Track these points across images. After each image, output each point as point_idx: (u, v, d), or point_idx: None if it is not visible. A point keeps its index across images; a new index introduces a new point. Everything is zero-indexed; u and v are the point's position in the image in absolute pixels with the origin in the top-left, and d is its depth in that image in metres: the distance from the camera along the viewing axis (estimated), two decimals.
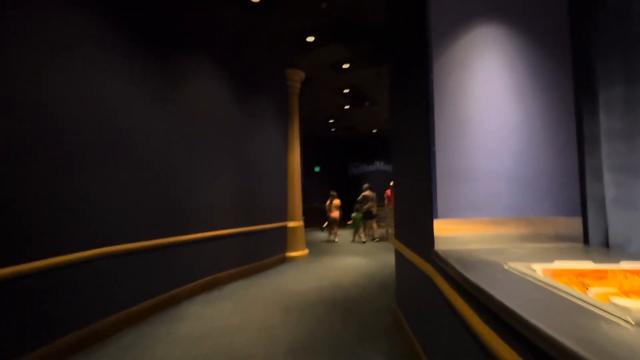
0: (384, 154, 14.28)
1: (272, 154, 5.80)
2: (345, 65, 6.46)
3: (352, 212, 9.25)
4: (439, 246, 1.80)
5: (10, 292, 2.03)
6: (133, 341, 2.64)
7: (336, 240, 9.06)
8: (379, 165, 14.35)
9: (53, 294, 2.29)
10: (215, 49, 4.36)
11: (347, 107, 9.40)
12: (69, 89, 2.49)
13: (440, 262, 1.68)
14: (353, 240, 8.93)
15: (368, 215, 8.83)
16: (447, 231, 1.83)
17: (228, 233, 4.47)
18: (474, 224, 1.84)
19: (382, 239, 9.17)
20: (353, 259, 6.16)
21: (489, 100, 1.89)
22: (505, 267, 1.35)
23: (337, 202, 9.19)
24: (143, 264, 3.17)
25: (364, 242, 8.64)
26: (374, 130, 13.17)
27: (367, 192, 9.01)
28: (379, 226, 9.88)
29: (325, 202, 9.62)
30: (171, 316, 3.21)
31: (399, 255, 2.83)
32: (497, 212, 1.85)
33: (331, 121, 11.30)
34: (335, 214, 9.12)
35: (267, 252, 5.47)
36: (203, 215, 4.04)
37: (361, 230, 8.93)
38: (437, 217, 1.84)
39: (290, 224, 6.26)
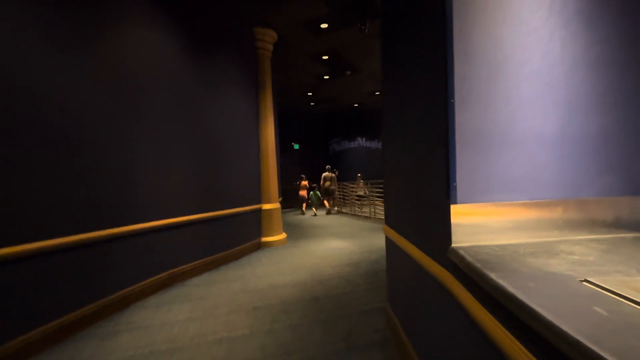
0: (366, 129, 13.70)
1: (241, 128, 5.04)
2: (324, 25, 5.65)
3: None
4: (457, 240, 1.24)
5: None
6: None
7: (315, 214, 10.09)
8: (361, 141, 13.79)
9: None
10: None
11: (326, 76, 8.62)
12: None
13: (464, 269, 1.12)
14: (314, 215, 9.95)
15: (327, 193, 10.33)
16: (468, 218, 1.26)
17: (188, 220, 3.79)
18: (505, 207, 1.28)
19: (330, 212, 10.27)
20: (335, 243, 5.65)
21: (532, 34, 1.28)
22: (588, 285, 0.81)
23: (305, 183, 10.67)
24: (70, 265, 2.47)
25: (315, 215, 9.97)
26: (356, 104, 12.48)
27: (326, 173, 10.37)
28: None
29: (303, 181, 10.70)
30: (109, 327, 2.56)
31: (392, 247, 2.28)
32: (540, 192, 1.29)
33: (310, 94, 10.48)
34: (303, 192, 10.60)
35: (239, 239, 4.84)
36: (152, 201, 3.32)
37: (315, 206, 10.43)
38: (455, 201, 1.26)
39: (265, 207, 5.62)
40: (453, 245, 1.23)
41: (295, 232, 6.86)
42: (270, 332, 2.41)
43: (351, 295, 3.09)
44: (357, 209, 9.71)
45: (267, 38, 5.59)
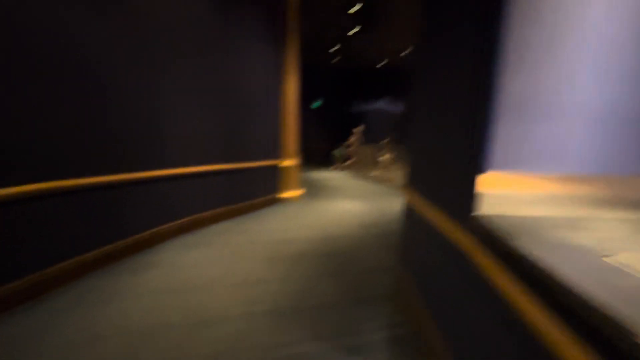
0: (389, 91, 13.16)
1: (264, 82, 4.93)
2: None
3: None
4: (483, 208, 1.24)
5: None
6: (83, 294, 2.23)
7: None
8: (383, 103, 13.33)
9: None
10: None
11: (353, 31, 8.13)
12: None
13: (487, 235, 1.14)
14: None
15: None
16: (497, 187, 1.25)
17: (209, 170, 3.90)
18: (538, 179, 1.26)
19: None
20: (349, 204, 5.75)
21: None
22: (609, 261, 0.82)
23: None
24: (105, 203, 2.64)
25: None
26: (380, 64, 11.87)
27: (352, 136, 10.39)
28: None
29: (326, 141, 10.84)
30: (139, 263, 2.79)
31: (410, 210, 2.31)
32: (577, 167, 1.25)
33: (333, 49, 10.00)
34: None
35: (256, 192, 4.98)
36: (177, 149, 3.41)
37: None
38: (486, 168, 1.24)
39: (284, 163, 5.69)
40: (478, 212, 1.24)
41: (311, 191, 6.98)
42: (284, 281, 2.57)
43: (362, 253, 3.21)
44: (372, 172, 9.69)
45: None
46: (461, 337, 1.39)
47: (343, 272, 2.77)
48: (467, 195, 1.32)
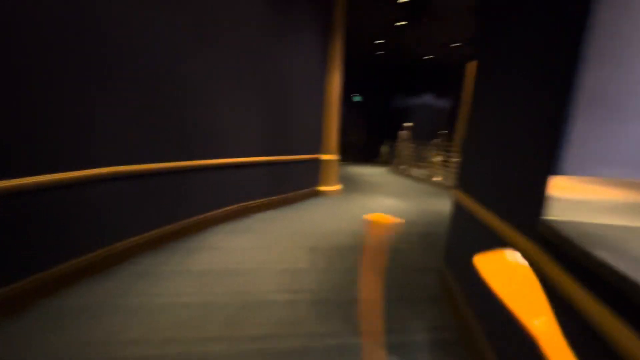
0: (435, 86, 12.62)
1: (309, 76, 4.98)
2: None
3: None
4: (553, 214, 1.16)
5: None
6: (144, 270, 2.44)
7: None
8: (428, 98, 12.83)
9: (59, 214, 2.02)
10: None
11: (400, 23, 7.87)
12: None
13: (558, 243, 1.06)
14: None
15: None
16: (570, 192, 1.16)
17: (257, 161, 4.05)
18: (619, 186, 1.14)
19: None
20: (389, 201, 5.66)
21: None
22: None
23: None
24: (161, 188, 2.86)
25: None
26: (427, 57, 11.38)
27: (402, 132, 10.10)
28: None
29: (365, 136, 10.56)
30: (190, 245, 3.00)
31: (460, 212, 2.21)
32: None
33: (380, 42, 9.77)
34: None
35: (298, 184, 5.09)
36: (230, 139, 3.58)
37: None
38: (559, 171, 1.15)
39: (324, 157, 5.73)
40: (546, 217, 1.16)
41: (350, 186, 6.97)
42: (326, 271, 2.61)
43: (404, 252, 3.15)
44: (415, 170, 9.42)
45: None
46: (517, 354, 1.31)
47: (386, 269, 2.73)
48: (535, 199, 1.23)
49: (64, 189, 2.06)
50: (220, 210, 3.63)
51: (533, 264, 1.22)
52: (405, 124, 10.38)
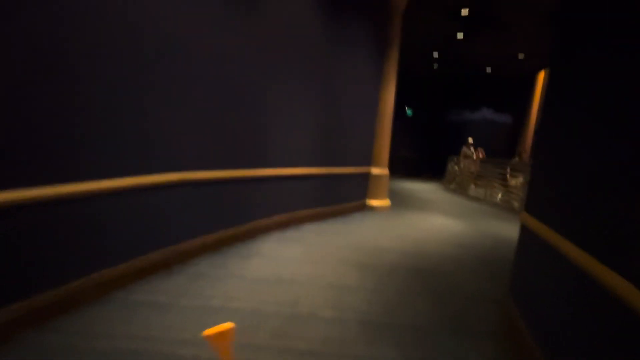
0: (494, 99, 11.84)
1: (363, 89, 4.99)
2: None
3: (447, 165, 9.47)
4: None
5: (67, 213, 1.98)
6: (202, 272, 2.58)
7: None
8: (487, 112, 12.06)
9: (124, 217, 2.24)
10: None
11: (460, 36, 7.57)
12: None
13: None
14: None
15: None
16: None
17: (307, 173, 4.12)
18: None
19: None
20: (442, 220, 5.35)
21: None
22: None
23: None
24: (219, 195, 3.04)
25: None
26: (488, 70, 10.76)
27: (464, 147, 9.29)
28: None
29: (416, 151, 10.16)
30: (243, 251, 3.11)
31: (532, 239, 1.99)
32: None
33: (436, 55, 9.49)
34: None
35: (347, 197, 5.06)
36: (281, 150, 3.70)
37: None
38: None
39: (375, 171, 5.64)
40: None
41: (400, 202, 6.75)
42: (375, 291, 2.52)
43: (459, 277, 2.93)
44: (471, 187, 8.83)
45: None
46: None
47: (439, 294, 2.56)
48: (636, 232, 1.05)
49: (130, 194, 2.28)
50: (272, 219, 3.74)
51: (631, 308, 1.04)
52: (469, 140, 9.45)
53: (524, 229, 2.19)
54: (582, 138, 1.56)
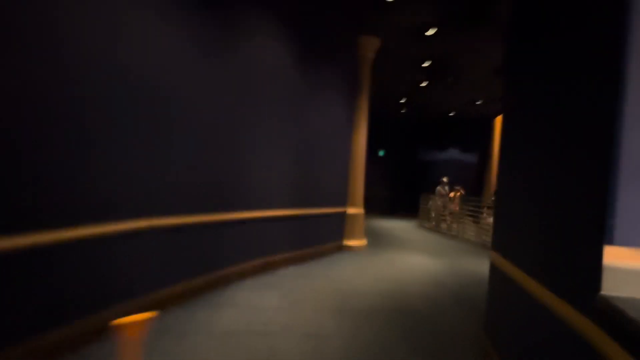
0: (461, 140, 12.68)
1: (336, 132, 5.21)
2: (431, 32, 5.44)
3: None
4: (610, 288, 1.04)
5: (16, 265, 1.80)
6: (167, 327, 2.39)
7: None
8: (454, 152, 12.82)
9: (80, 269, 2.08)
10: (280, 6, 3.82)
11: (424, 83, 8.27)
12: (105, 38, 2.19)
13: (625, 325, 0.93)
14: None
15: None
16: (628, 264, 1.05)
17: (283, 214, 4.09)
18: None
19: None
20: (418, 258, 5.38)
21: None
22: None
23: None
24: (189, 241, 2.93)
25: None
26: (452, 113, 11.65)
27: (439, 187, 9.37)
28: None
29: (388, 190, 10.31)
30: (214, 301, 2.94)
31: (500, 278, 2.05)
32: None
33: (403, 100, 10.21)
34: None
35: (323, 238, 5.02)
36: (256, 193, 3.69)
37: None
38: (611, 241, 1.07)
39: (350, 210, 5.70)
40: (603, 292, 1.05)
41: (376, 241, 6.77)
42: (354, 338, 2.43)
43: (438, 317, 2.90)
44: (443, 225, 9.07)
45: (370, 46, 5.66)
46: None
47: (418, 335, 2.51)
48: (588, 271, 1.13)
49: (91, 244, 2.16)
50: (246, 264, 3.60)
51: (589, 342, 1.08)
52: (444, 179, 9.54)
53: (492, 267, 2.26)
54: (525, 185, 1.70)
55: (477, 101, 9.76)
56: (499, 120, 11.62)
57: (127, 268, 2.36)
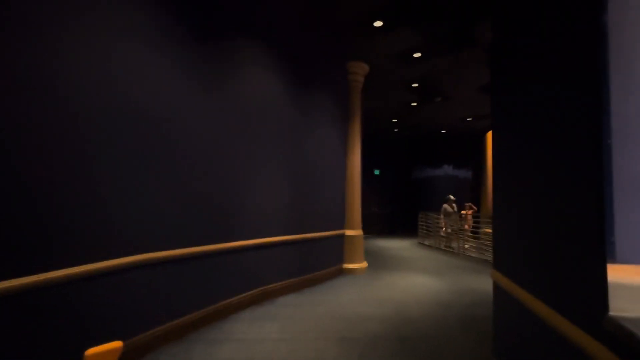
0: (454, 156, 12.83)
1: (330, 155, 5.25)
2: (417, 55, 5.63)
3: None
4: (618, 308, 1.01)
5: (14, 308, 1.73)
6: None
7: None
8: (448, 169, 12.93)
9: (71, 309, 1.99)
10: (271, 36, 3.94)
11: (414, 103, 8.46)
12: (100, 76, 2.23)
13: (635, 347, 0.90)
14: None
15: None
16: (632, 281, 1.03)
17: (280, 240, 4.03)
18: None
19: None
20: (420, 279, 5.28)
21: None
22: None
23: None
24: (184, 274, 2.85)
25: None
26: (443, 130, 11.86)
27: (445, 205, 9.10)
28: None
29: (386, 209, 9.97)
30: (213, 334, 2.82)
31: (505, 299, 2.00)
32: None
33: (395, 120, 10.40)
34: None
35: (322, 263, 4.92)
36: (252, 220, 3.65)
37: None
38: (613, 259, 1.05)
39: (348, 232, 5.64)
40: (612, 313, 1.02)
41: (376, 262, 6.66)
42: None
43: (444, 341, 2.80)
44: (442, 242, 8.98)
45: (359, 70, 5.82)
46: None
47: None
48: (593, 291, 1.10)
49: (78, 283, 2.09)
50: (243, 295, 3.50)
51: None
52: (450, 196, 9.27)
53: (496, 287, 2.22)
54: (515, 203, 1.70)
55: (467, 118, 9.97)
56: (490, 136, 11.86)
57: (114, 308, 2.27)
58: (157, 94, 2.60)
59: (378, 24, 4.60)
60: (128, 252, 2.34)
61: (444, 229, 8.84)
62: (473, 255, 7.58)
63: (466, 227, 8.44)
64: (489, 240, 7.33)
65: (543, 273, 1.50)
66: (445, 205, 9.13)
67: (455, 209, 9.09)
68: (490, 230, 7.67)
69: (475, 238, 8.08)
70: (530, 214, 1.66)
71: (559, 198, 1.38)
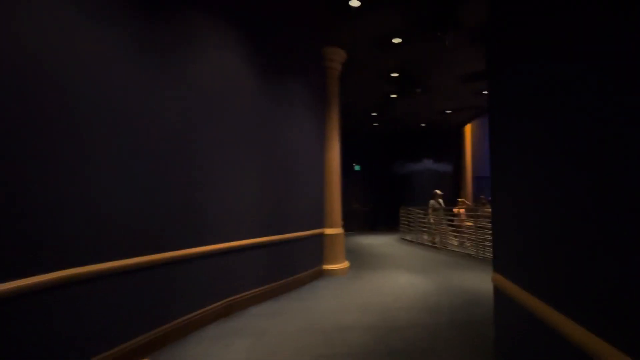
0: (434, 151, 12.76)
1: (307, 149, 4.83)
2: (396, 40, 5.31)
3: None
4: None
5: None
6: None
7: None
8: (428, 163, 12.85)
9: None
10: (234, 12, 3.46)
11: (393, 95, 8.19)
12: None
13: None
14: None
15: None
16: None
17: (251, 243, 3.58)
18: None
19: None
20: (405, 278, 4.99)
21: None
22: None
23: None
24: (135, 288, 2.36)
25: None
26: (423, 124, 11.74)
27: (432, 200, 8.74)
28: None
29: (366, 205, 9.92)
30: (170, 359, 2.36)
31: (514, 309, 1.68)
32: None
33: (374, 114, 10.12)
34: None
35: (300, 266, 4.52)
36: (218, 222, 3.18)
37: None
38: None
39: (328, 231, 5.27)
40: None
41: (358, 260, 6.34)
42: None
43: (438, 353, 2.47)
44: (424, 237, 8.81)
45: (336, 57, 5.44)
46: None
47: None
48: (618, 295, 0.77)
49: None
50: (208, 308, 3.04)
51: None
52: (437, 191, 8.85)
53: (497, 291, 1.90)
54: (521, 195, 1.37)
55: (447, 110, 9.85)
56: (468, 129, 11.85)
57: (43, 334, 1.77)
58: (76, 60, 2.09)
59: (355, 3, 4.22)
60: (68, 263, 1.84)
61: (433, 226, 8.38)
62: (456, 250, 7.43)
63: (468, 223, 7.84)
64: (471, 234, 7.20)
65: (561, 278, 1.17)
66: (432, 201, 8.72)
67: (443, 204, 8.73)
68: (471, 224, 7.53)
69: (458, 232, 7.94)
70: (543, 209, 1.33)
71: (583, 188, 1.04)
